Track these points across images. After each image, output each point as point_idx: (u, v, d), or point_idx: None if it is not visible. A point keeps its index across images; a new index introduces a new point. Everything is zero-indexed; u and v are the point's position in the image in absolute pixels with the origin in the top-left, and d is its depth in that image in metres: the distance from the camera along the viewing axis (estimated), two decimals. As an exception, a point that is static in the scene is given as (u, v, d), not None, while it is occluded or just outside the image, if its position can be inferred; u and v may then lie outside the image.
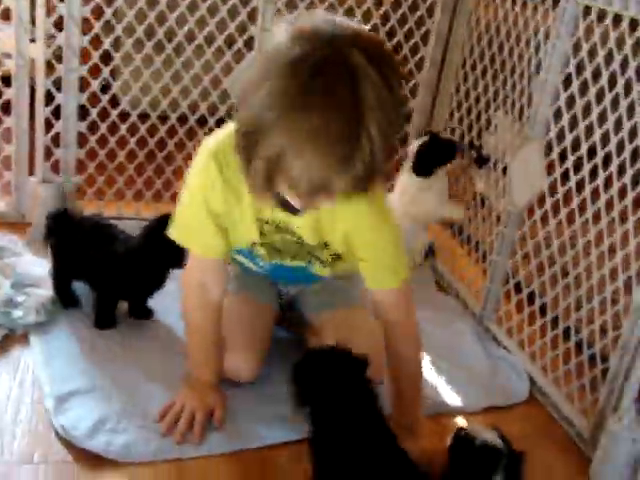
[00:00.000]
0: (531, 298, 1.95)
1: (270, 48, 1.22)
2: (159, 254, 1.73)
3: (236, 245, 1.58)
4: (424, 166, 2.24)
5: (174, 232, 1.53)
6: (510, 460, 1.32)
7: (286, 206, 1.33)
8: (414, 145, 2.28)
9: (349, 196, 1.24)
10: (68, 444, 1.45)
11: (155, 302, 1.88)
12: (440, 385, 1.81)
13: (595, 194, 1.70)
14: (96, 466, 1.41)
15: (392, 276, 1.51)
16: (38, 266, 1.95)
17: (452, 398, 1.77)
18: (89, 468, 1.41)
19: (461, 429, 1.39)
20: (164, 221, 1.59)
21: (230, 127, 1.37)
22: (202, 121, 2.32)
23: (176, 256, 1.65)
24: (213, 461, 1.47)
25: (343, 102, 1.14)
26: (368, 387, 1.35)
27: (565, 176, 1.80)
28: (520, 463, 1.34)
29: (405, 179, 2.29)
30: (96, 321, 1.81)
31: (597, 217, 1.70)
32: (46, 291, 1.84)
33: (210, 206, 1.45)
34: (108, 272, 1.78)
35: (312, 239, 1.52)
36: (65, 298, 1.84)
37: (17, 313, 1.76)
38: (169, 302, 1.85)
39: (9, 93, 2.12)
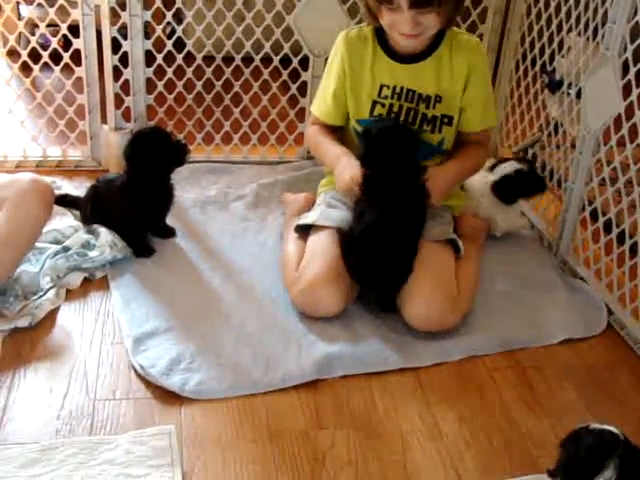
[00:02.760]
0: (608, 226, 1.89)
1: None
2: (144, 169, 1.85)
3: (359, 106, 1.85)
4: (508, 194, 2.05)
5: (313, 107, 1.97)
6: (627, 450, 1.18)
7: (393, 53, 1.80)
8: (505, 167, 2.06)
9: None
10: (147, 382, 1.52)
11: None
12: (516, 318, 1.79)
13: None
14: (173, 402, 1.48)
15: (487, 120, 1.90)
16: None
17: (529, 332, 1.75)
18: (166, 404, 1.48)
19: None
20: (134, 141, 1.86)
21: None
22: (267, 60, 2.30)
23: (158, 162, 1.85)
24: (283, 396, 1.52)
25: None
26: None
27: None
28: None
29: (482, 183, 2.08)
30: (136, 252, 1.89)
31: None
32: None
33: (337, 68, 1.85)
34: (122, 210, 1.88)
35: (428, 89, 1.82)
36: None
37: (94, 253, 1.83)
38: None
39: (78, 43, 2.16)
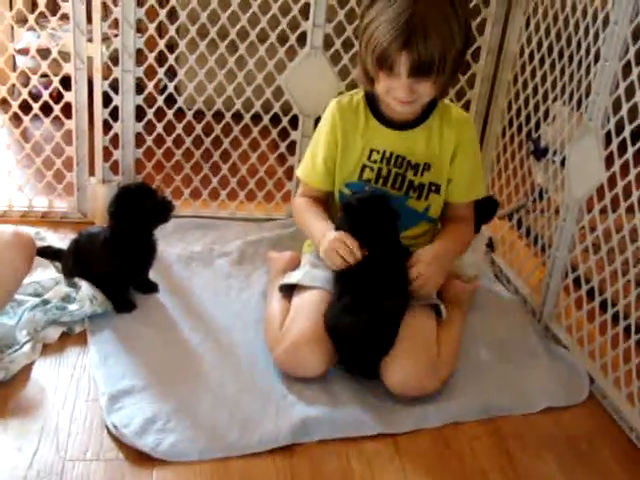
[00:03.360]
0: (591, 294, 1.89)
1: None
2: (128, 225, 1.85)
3: (348, 171, 1.86)
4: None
5: (299, 171, 1.95)
6: None
7: (384, 119, 1.82)
8: None
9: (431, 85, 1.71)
10: (119, 442, 1.49)
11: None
12: (497, 385, 1.77)
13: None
14: (145, 464, 1.45)
15: (474, 192, 1.93)
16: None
17: (509, 399, 1.73)
18: (138, 466, 1.44)
19: None
20: (119, 197, 1.85)
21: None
22: (257, 118, 2.33)
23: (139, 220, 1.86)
24: (258, 460, 1.49)
25: None
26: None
27: (625, 168, 1.73)
28: None
29: None
30: (117, 307, 1.88)
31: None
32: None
33: (329, 136, 1.85)
34: (104, 265, 1.87)
35: (418, 156, 1.83)
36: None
37: (73, 307, 1.81)
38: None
39: (69, 96, 2.17)
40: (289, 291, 1.85)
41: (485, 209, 2.12)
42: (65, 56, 2.14)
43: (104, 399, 1.58)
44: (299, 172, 1.96)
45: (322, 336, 1.68)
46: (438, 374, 1.70)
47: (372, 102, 1.85)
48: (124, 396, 1.59)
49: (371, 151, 1.85)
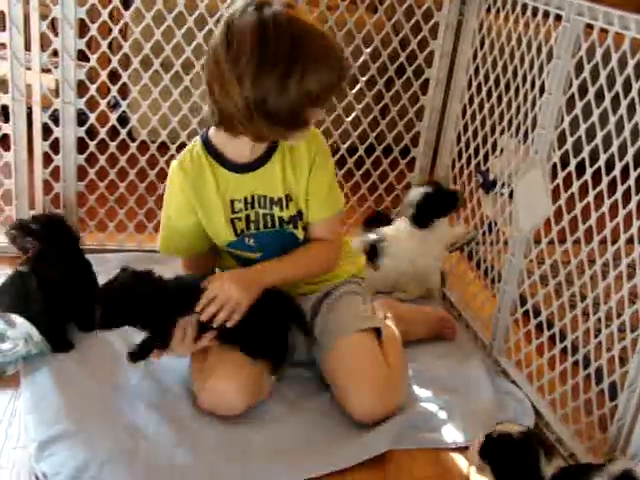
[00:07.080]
0: (540, 328, 1.87)
1: None
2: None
3: (221, 231, 1.73)
4: (423, 218, 2.22)
5: (161, 247, 1.79)
6: None
7: (232, 165, 1.68)
8: (414, 195, 2.23)
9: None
10: (48, 492, 1.41)
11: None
12: (442, 419, 1.74)
13: (601, 220, 1.62)
14: (75, 516, 1.37)
15: (333, 206, 1.80)
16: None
17: (453, 433, 1.71)
18: (67, 519, 1.37)
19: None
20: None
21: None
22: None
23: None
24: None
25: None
26: None
27: (571, 200, 1.72)
28: None
29: (406, 227, 2.25)
30: (54, 347, 1.80)
31: (605, 243, 1.62)
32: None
33: (184, 205, 1.71)
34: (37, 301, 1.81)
35: (278, 190, 1.72)
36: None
37: (6, 346, 1.73)
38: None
39: (7, 128, 2.11)
40: None
41: (444, 201, 2.21)
42: (2, 85, 2.08)
43: (34, 446, 1.50)
44: (160, 247, 1.80)
45: (237, 370, 1.64)
46: (395, 388, 1.72)
47: (212, 150, 1.70)
48: (55, 442, 1.51)
49: (232, 202, 1.72)
